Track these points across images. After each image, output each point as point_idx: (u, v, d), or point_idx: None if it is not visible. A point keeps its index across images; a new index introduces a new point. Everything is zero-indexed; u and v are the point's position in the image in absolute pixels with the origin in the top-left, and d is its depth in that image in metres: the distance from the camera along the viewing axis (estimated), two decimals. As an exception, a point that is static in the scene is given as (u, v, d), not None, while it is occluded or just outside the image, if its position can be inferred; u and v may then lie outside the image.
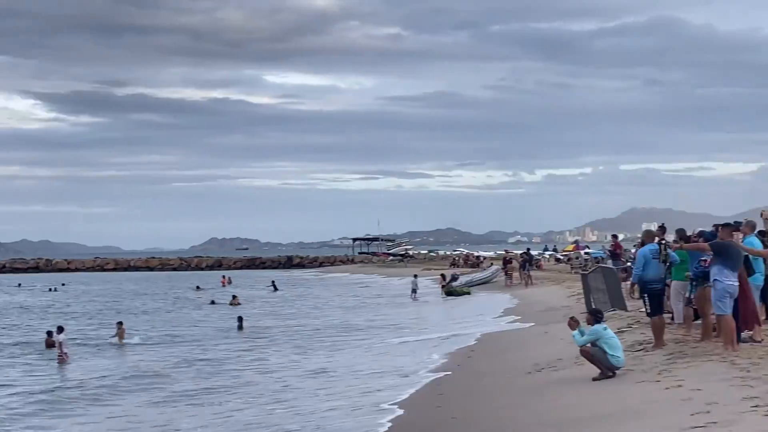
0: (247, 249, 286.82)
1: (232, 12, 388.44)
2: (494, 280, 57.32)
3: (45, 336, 31.15)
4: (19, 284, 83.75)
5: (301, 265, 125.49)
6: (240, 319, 37.63)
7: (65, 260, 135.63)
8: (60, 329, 28.82)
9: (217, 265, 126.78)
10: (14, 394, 21.31)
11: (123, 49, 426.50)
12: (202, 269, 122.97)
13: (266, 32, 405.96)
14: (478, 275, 60.80)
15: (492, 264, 69.13)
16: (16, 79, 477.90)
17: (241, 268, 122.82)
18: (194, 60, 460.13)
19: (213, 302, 53.38)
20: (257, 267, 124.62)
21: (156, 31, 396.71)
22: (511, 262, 54.17)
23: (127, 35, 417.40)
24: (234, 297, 53.06)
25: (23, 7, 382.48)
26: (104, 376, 23.73)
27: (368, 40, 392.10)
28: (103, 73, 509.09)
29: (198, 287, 71.44)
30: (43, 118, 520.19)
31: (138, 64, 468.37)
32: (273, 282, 70.15)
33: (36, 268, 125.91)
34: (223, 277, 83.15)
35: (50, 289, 74.63)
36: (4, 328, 40.10)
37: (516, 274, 51.57)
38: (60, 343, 27.72)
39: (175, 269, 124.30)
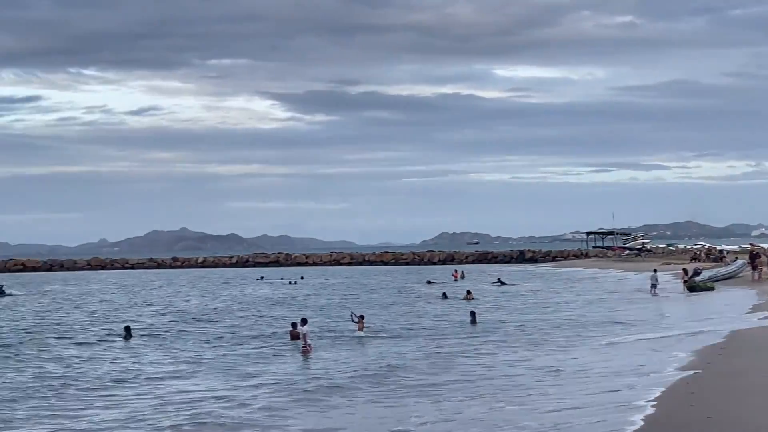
0: (477, 243, 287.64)
1: (461, 7, 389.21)
2: (740, 275, 54.60)
3: (289, 328, 32.15)
4: (262, 277, 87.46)
5: (533, 260, 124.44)
6: (473, 314, 37.52)
7: (303, 254, 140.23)
8: (304, 321, 29.47)
9: (449, 259, 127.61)
10: (260, 385, 22.02)
11: (356, 48, 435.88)
12: (434, 263, 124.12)
13: (496, 26, 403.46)
14: (723, 270, 58.05)
15: (737, 258, 65.90)
16: (255, 81, 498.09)
17: (472, 262, 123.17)
18: (424, 56, 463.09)
19: (445, 296, 53.62)
20: (489, 261, 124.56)
21: (387, 29, 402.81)
22: (759, 257, 51.40)
23: (359, 35, 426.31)
24: (468, 292, 53.11)
25: (262, 12, 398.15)
26: (345, 369, 24.21)
27: (601, 30, 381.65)
28: (337, 72, 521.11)
29: (429, 281, 72.10)
30: (281, 118, 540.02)
31: (370, 63, 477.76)
32: (499, 279, 70.14)
33: (276, 262, 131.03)
34: (455, 271, 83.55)
35: (290, 282, 77.47)
36: (249, 319, 41.76)
37: (765, 269, 48.88)
38: (304, 335, 28.41)
39: (407, 263, 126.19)
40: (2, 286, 68.66)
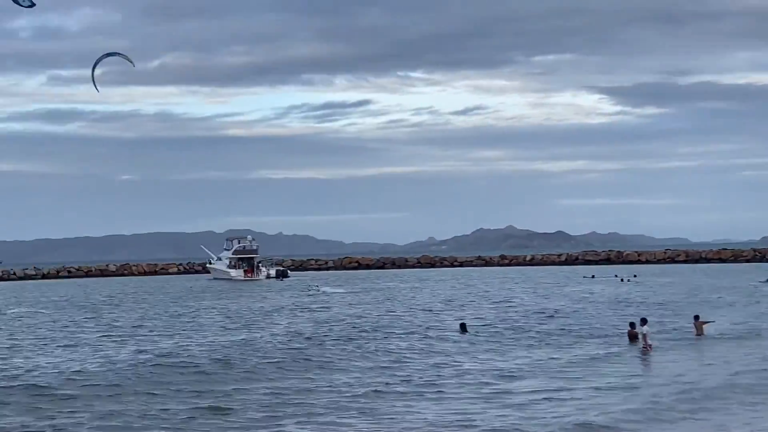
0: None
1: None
2: None
3: (627, 328, 30.74)
4: (593, 275, 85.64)
5: None
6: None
7: (635, 252, 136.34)
8: (644, 321, 28.59)
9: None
10: (598, 388, 21.25)
11: (687, 37, 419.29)
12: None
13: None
14: None
15: None
16: (581, 76, 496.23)
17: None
18: (763, 42, 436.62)
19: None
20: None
21: (722, 15, 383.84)
22: None
23: (691, 23, 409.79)
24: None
25: (587, 5, 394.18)
26: (682, 373, 23.06)
27: None
28: (667, 63, 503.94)
29: (768, 280, 67.41)
30: (608, 112, 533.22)
31: (702, 51, 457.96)
32: None
33: (607, 260, 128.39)
34: (804, 269, 77.61)
35: (622, 280, 75.26)
36: (583, 318, 40.40)
37: None
38: (644, 335, 27.51)
39: (748, 261, 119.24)
40: (318, 286, 72.48)
